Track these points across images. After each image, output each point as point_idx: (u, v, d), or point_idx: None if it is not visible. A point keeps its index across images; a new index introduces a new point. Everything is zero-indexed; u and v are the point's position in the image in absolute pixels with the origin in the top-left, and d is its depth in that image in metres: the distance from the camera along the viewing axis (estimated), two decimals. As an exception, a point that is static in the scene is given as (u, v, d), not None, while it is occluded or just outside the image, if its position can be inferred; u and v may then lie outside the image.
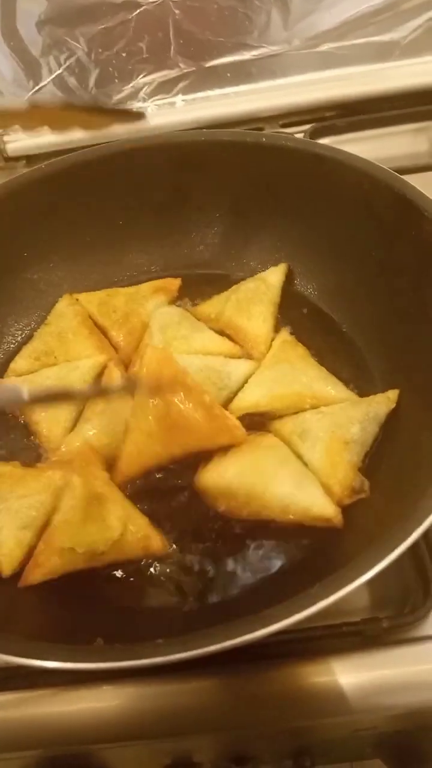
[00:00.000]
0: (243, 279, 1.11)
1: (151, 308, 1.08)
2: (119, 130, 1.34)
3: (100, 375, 1.03)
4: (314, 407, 0.94)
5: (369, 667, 0.81)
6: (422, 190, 0.91)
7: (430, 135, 1.37)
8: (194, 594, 0.84)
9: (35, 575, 0.83)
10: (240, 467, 0.86)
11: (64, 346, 1.05)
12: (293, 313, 1.08)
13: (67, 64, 1.35)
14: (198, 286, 1.13)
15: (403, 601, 0.85)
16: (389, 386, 0.94)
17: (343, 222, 1.01)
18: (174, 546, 0.87)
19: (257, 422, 0.96)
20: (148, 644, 0.62)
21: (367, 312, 1.02)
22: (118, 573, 0.87)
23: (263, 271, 1.11)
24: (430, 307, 0.89)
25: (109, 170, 1.07)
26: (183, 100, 1.43)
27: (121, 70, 1.37)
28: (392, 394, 0.92)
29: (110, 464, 0.93)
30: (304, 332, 1.06)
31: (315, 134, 1.34)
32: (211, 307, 1.09)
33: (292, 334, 1.05)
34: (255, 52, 1.37)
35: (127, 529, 0.84)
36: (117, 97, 1.41)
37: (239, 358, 1.03)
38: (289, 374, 0.97)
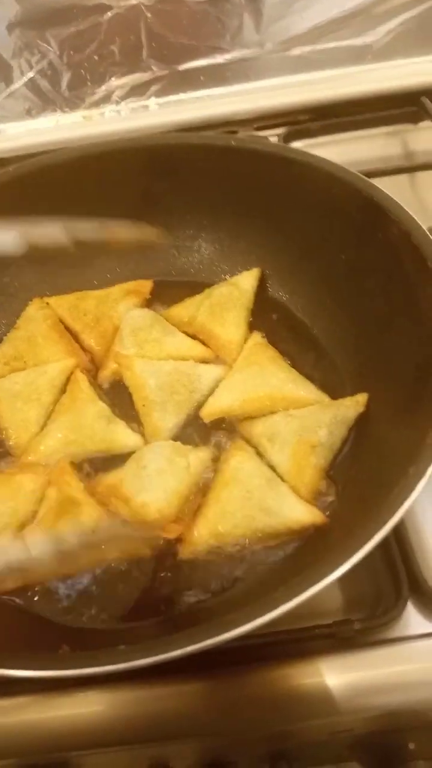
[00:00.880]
0: (215, 283, 1.11)
1: (122, 311, 1.08)
2: (90, 133, 1.36)
3: (68, 379, 1.02)
4: (286, 409, 0.95)
5: (343, 669, 0.81)
6: (394, 193, 0.91)
7: (402, 138, 1.39)
8: (162, 600, 0.84)
9: (8, 580, 0.82)
10: (209, 529, 0.85)
11: (33, 350, 1.04)
12: (265, 316, 1.08)
13: (39, 66, 1.34)
14: (169, 290, 1.13)
15: (376, 603, 0.85)
16: (359, 389, 0.95)
17: (313, 225, 1.02)
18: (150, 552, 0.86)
19: (228, 424, 0.97)
20: (110, 650, 0.62)
21: (337, 315, 1.03)
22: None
23: (235, 274, 1.12)
24: (398, 310, 0.90)
25: (78, 173, 1.06)
26: (156, 103, 1.43)
27: (94, 73, 1.37)
28: (361, 398, 0.93)
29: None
30: (275, 336, 1.06)
31: (289, 137, 1.35)
32: (183, 310, 1.09)
33: (263, 337, 1.05)
34: (228, 56, 1.37)
35: (99, 527, 0.84)
36: (90, 100, 1.40)
37: (211, 362, 1.03)
38: (259, 377, 0.97)
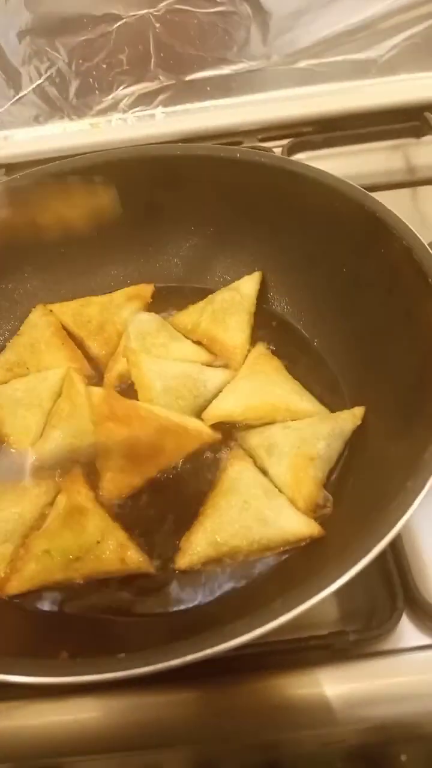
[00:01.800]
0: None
1: (125, 316, 1.08)
2: (97, 141, 1.37)
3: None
4: (286, 420, 0.96)
5: (337, 680, 0.81)
6: (396, 207, 0.92)
7: (404, 153, 1.40)
8: (161, 608, 0.85)
9: (12, 584, 0.83)
10: (207, 539, 0.85)
11: (36, 356, 1.05)
12: (265, 327, 1.09)
13: (48, 74, 1.35)
14: (172, 299, 1.14)
15: (371, 615, 0.86)
16: (357, 401, 0.96)
17: (315, 238, 1.03)
18: (154, 566, 0.87)
19: (226, 432, 0.98)
20: (110, 659, 0.62)
21: (336, 327, 1.04)
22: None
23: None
24: (397, 324, 0.91)
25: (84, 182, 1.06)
26: (163, 113, 1.44)
27: (102, 82, 1.38)
28: (358, 411, 0.94)
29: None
30: (275, 347, 1.07)
31: (293, 149, 1.36)
32: (187, 317, 1.10)
33: (268, 348, 1.06)
34: (234, 67, 1.38)
35: (105, 538, 0.84)
36: (97, 108, 1.41)
37: (216, 367, 1.04)
38: (264, 386, 0.98)
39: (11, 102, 1.38)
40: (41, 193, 1.03)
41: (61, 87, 1.38)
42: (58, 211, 0.92)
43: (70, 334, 1.10)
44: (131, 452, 0.90)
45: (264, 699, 0.80)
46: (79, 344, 1.09)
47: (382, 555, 0.84)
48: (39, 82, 1.36)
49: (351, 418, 0.93)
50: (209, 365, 1.04)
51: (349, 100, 1.41)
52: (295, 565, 0.83)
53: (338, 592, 0.85)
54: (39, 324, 1.09)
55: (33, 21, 1.28)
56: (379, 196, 0.94)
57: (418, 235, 0.88)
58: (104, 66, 1.35)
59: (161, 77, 1.39)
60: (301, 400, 0.97)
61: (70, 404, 0.97)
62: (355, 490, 0.88)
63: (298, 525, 0.84)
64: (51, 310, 1.11)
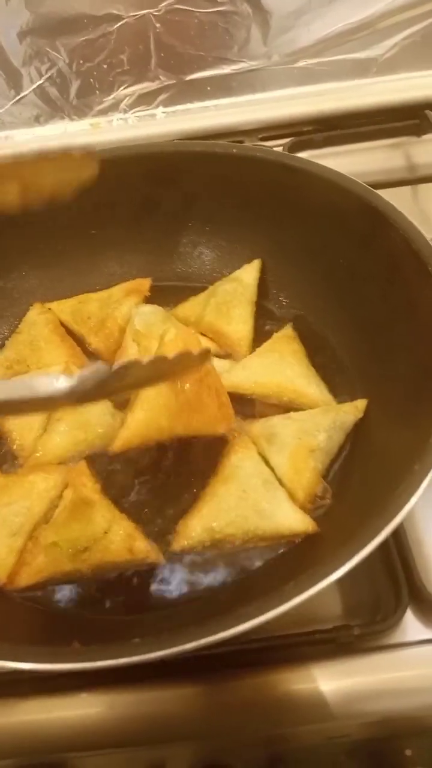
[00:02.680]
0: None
1: (125, 311, 1.08)
2: (98, 141, 1.37)
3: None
4: (291, 401, 0.97)
5: (341, 674, 0.81)
6: (396, 205, 0.92)
7: (405, 151, 1.40)
8: (168, 599, 0.85)
9: (22, 576, 0.84)
10: (203, 525, 0.86)
11: (36, 354, 1.05)
12: (265, 321, 1.09)
13: (49, 74, 1.36)
14: (171, 293, 1.14)
15: (375, 609, 0.86)
16: (360, 393, 0.96)
17: (314, 232, 1.03)
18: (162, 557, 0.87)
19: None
20: (124, 644, 0.62)
21: (337, 320, 1.04)
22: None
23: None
24: (398, 313, 0.91)
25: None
26: (164, 112, 1.44)
27: (102, 82, 1.38)
28: (360, 404, 0.94)
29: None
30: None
31: (293, 148, 1.37)
32: (189, 309, 1.10)
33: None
34: (235, 67, 1.38)
35: (112, 528, 0.85)
36: (98, 108, 1.42)
37: (222, 358, 1.05)
38: (275, 365, 0.99)
39: (12, 102, 1.39)
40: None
41: (61, 87, 1.38)
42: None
43: (70, 332, 1.10)
44: (180, 392, 0.89)
45: (268, 693, 0.81)
46: (79, 341, 1.10)
47: (386, 550, 0.86)
48: (40, 82, 1.37)
49: (353, 410, 0.94)
50: (216, 356, 1.04)
51: (350, 99, 1.41)
52: (304, 553, 0.83)
53: (342, 587, 0.88)
54: (38, 321, 1.09)
55: (34, 21, 1.28)
56: (380, 194, 0.94)
57: (417, 226, 0.88)
58: (105, 66, 1.36)
59: (162, 77, 1.39)
60: (309, 385, 0.98)
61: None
62: (360, 481, 0.88)
63: (293, 520, 0.85)
64: (49, 308, 1.11)
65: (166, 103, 1.43)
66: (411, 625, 0.84)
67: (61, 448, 0.95)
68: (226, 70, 1.39)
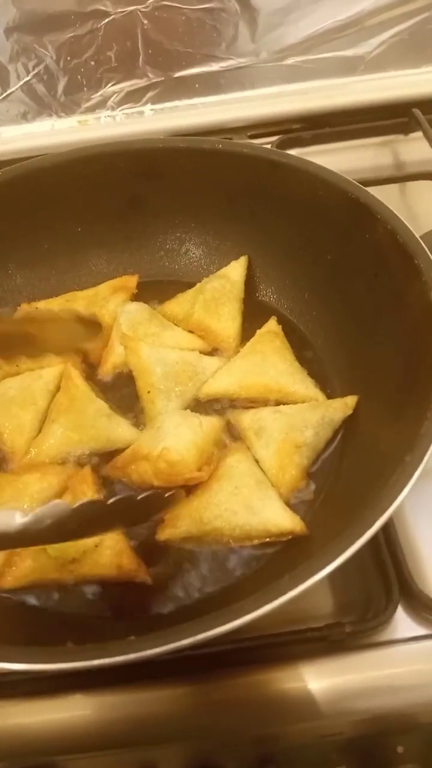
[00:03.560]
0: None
1: (112, 308, 1.08)
2: (86, 138, 1.37)
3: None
4: (279, 400, 0.97)
5: (333, 672, 0.81)
6: (385, 202, 0.92)
7: (393, 149, 1.40)
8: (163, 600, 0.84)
9: (7, 579, 0.83)
10: (191, 516, 0.85)
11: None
12: (252, 317, 1.09)
13: (36, 71, 1.35)
14: (157, 290, 1.14)
15: (367, 607, 0.86)
16: (348, 385, 0.96)
17: (301, 227, 1.03)
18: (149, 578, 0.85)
19: (220, 411, 0.99)
20: (120, 642, 0.61)
21: (324, 314, 1.05)
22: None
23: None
24: (385, 306, 0.91)
25: (66, 177, 1.06)
26: (152, 110, 1.44)
27: (90, 79, 1.37)
28: (350, 401, 0.94)
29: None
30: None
31: (282, 146, 1.36)
32: (177, 306, 1.10)
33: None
34: (223, 64, 1.38)
35: (103, 542, 0.83)
36: (85, 105, 1.41)
37: (211, 354, 1.05)
38: (259, 366, 0.99)
39: (-1, 99, 1.38)
40: (22, 189, 1.04)
41: (49, 84, 1.37)
42: None
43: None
44: None
45: (259, 692, 0.80)
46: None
47: (376, 547, 0.86)
48: (27, 79, 1.36)
49: (342, 407, 0.94)
50: (205, 353, 1.04)
51: (338, 97, 1.41)
52: (297, 549, 0.83)
53: (333, 585, 0.88)
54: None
55: (20, 18, 1.28)
56: (367, 191, 0.94)
57: (402, 218, 0.89)
58: (92, 63, 1.35)
59: (150, 74, 1.38)
60: (294, 383, 0.98)
61: (68, 398, 0.97)
62: (350, 473, 0.89)
63: (281, 518, 0.84)
64: (36, 308, 1.10)
65: (154, 101, 1.43)
66: (402, 622, 0.84)
67: (53, 449, 0.94)
68: (214, 67, 1.39)
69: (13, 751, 0.80)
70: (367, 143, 1.41)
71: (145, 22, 1.30)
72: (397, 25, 1.36)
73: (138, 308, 1.08)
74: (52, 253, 1.13)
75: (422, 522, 0.91)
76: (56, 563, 0.82)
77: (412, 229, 0.88)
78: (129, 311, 1.07)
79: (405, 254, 0.85)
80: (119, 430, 0.96)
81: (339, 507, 0.84)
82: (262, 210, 1.07)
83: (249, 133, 1.42)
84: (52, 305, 1.10)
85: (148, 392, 0.97)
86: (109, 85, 1.39)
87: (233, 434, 0.97)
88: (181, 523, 0.85)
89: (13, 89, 1.37)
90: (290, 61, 1.39)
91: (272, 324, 1.06)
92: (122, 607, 0.84)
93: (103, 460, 0.95)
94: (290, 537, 0.84)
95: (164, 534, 0.86)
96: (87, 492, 0.88)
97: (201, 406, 1.00)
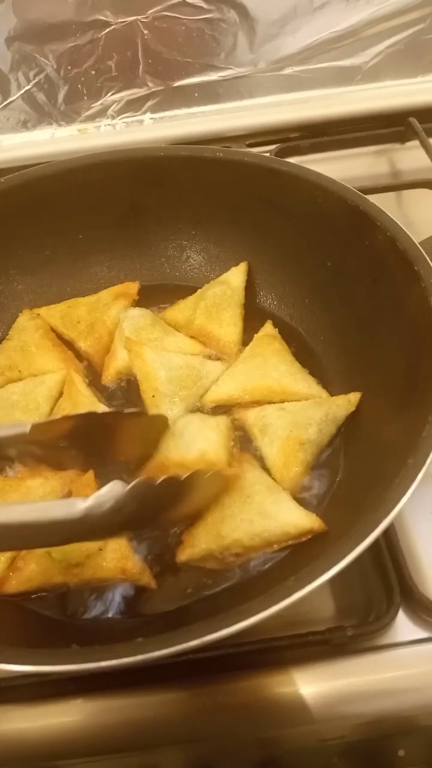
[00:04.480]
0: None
1: (114, 314, 1.09)
2: (86, 147, 1.37)
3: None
4: (283, 400, 0.98)
5: (334, 676, 0.81)
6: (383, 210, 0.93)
7: (389, 157, 1.42)
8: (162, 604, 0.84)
9: (11, 583, 0.83)
10: (208, 532, 0.85)
11: (27, 359, 1.04)
12: (254, 322, 1.09)
13: (36, 80, 1.36)
14: (159, 297, 1.14)
15: (368, 610, 0.86)
16: (349, 389, 0.97)
17: (300, 234, 1.04)
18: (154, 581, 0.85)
19: (223, 411, 1.00)
20: (128, 644, 0.61)
21: (324, 320, 1.06)
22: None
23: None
24: (384, 312, 0.92)
25: (68, 185, 1.07)
26: (151, 118, 1.45)
27: (90, 88, 1.38)
28: (353, 397, 0.95)
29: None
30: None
31: (280, 154, 1.38)
32: (179, 313, 1.11)
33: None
34: (222, 74, 1.40)
35: (107, 546, 0.83)
36: (85, 113, 1.42)
37: (213, 359, 1.06)
38: (260, 369, 1.00)
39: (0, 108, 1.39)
40: (24, 197, 1.04)
41: (49, 93, 1.38)
42: None
43: (60, 336, 1.10)
44: None
45: (261, 696, 0.81)
46: (70, 346, 1.09)
47: (377, 550, 0.86)
48: (27, 87, 1.37)
49: (345, 404, 0.94)
50: (207, 358, 1.05)
51: (335, 106, 1.43)
52: (301, 551, 0.83)
53: (334, 588, 0.88)
54: (27, 327, 1.08)
55: (21, 27, 1.29)
56: (366, 198, 0.95)
57: (401, 225, 0.90)
58: (93, 72, 1.36)
59: (149, 83, 1.40)
60: (296, 382, 0.99)
61: (71, 403, 0.97)
62: (352, 474, 0.89)
63: (298, 518, 0.84)
64: (38, 314, 1.11)
65: (154, 109, 1.44)
66: (403, 625, 0.85)
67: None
68: (213, 76, 1.40)
69: (14, 756, 0.79)
70: (365, 152, 1.43)
71: (145, 32, 1.32)
72: (393, 35, 1.38)
73: (141, 314, 1.09)
74: (53, 260, 1.14)
75: (423, 525, 0.92)
76: (60, 567, 0.82)
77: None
78: (132, 316, 1.07)
79: (405, 260, 0.86)
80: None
81: (341, 509, 0.85)
82: (262, 217, 1.08)
83: (248, 142, 1.44)
84: (54, 311, 1.11)
85: (153, 396, 0.98)
86: (109, 94, 1.40)
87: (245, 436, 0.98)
88: (199, 542, 0.84)
89: (14, 98, 1.38)
90: (288, 70, 1.41)
91: (269, 327, 1.07)
92: (127, 609, 0.84)
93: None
94: (310, 536, 0.83)
95: (184, 555, 0.85)
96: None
97: (205, 410, 1.01)
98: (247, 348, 1.05)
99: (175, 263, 1.18)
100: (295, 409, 0.94)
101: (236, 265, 1.12)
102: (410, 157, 1.40)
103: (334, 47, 1.38)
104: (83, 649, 0.65)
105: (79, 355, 1.08)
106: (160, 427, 0.93)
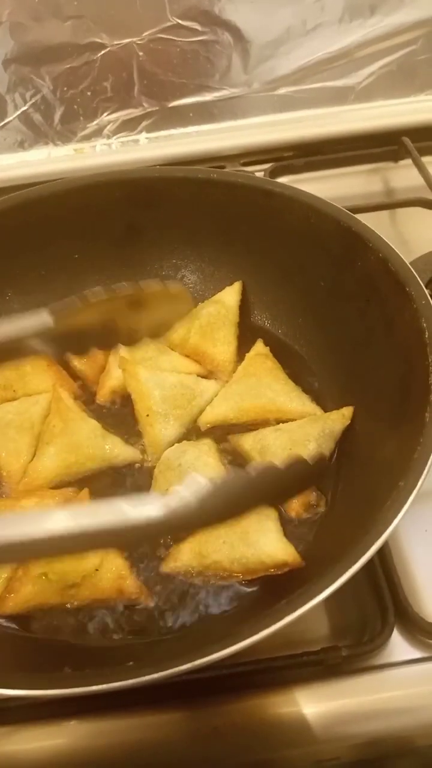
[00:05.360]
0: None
1: (108, 333, 1.09)
2: (81, 166, 1.39)
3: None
4: (279, 420, 0.98)
5: (329, 696, 0.81)
6: (375, 229, 0.94)
7: (383, 176, 1.44)
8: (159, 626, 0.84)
9: (7, 604, 0.82)
10: (192, 549, 0.86)
11: (22, 379, 1.04)
12: (248, 341, 1.10)
13: (33, 101, 1.37)
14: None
15: (362, 630, 0.86)
16: (342, 407, 0.97)
17: (294, 254, 1.05)
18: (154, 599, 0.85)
19: (219, 436, 1.00)
20: (119, 667, 0.61)
21: (317, 339, 1.06)
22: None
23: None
24: (376, 333, 0.93)
25: (64, 206, 1.08)
26: (147, 138, 1.46)
27: (86, 108, 1.40)
28: (347, 411, 0.95)
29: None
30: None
31: (274, 173, 1.40)
32: (173, 332, 1.10)
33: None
34: (216, 94, 1.41)
35: (104, 565, 0.83)
36: (81, 133, 1.43)
37: (206, 378, 1.06)
38: (254, 388, 1.00)
39: (-4, 127, 1.40)
40: (19, 218, 1.05)
41: (45, 113, 1.39)
42: None
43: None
44: None
45: (255, 717, 0.80)
46: (65, 366, 1.09)
47: (371, 569, 0.86)
48: (24, 108, 1.38)
49: (340, 418, 0.95)
50: (201, 376, 1.06)
51: (329, 126, 1.44)
52: (294, 571, 0.83)
53: (328, 608, 0.88)
54: (22, 348, 1.09)
55: (18, 49, 1.30)
56: (359, 219, 0.96)
57: (393, 247, 0.90)
58: (88, 93, 1.38)
59: (145, 104, 1.41)
60: (291, 401, 0.99)
61: (61, 420, 0.97)
62: (346, 494, 0.89)
63: (276, 550, 0.83)
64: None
65: (149, 129, 1.45)
66: (398, 645, 0.84)
67: (50, 472, 0.95)
68: (207, 97, 1.42)
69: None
70: (358, 170, 1.45)
71: (141, 53, 1.33)
72: (385, 56, 1.40)
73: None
74: (49, 280, 1.14)
75: (417, 544, 0.92)
76: (57, 587, 0.82)
77: (402, 255, 0.90)
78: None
79: (396, 282, 0.87)
80: (115, 449, 0.96)
81: (335, 531, 0.85)
82: (256, 237, 1.08)
83: (242, 161, 1.45)
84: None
85: (147, 416, 0.98)
86: (105, 114, 1.42)
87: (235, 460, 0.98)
88: (183, 557, 0.85)
89: (11, 118, 1.39)
90: (282, 91, 1.42)
91: (260, 346, 1.07)
92: (123, 628, 0.84)
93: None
94: (286, 569, 0.83)
95: (168, 567, 0.86)
96: None
97: (197, 431, 1.01)
98: (240, 368, 1.05)
99: (170, 282, 1.18)
100: (292, 428, 0.95)
101: (230, 284, 1.13)
102: (403, 175, 1.42)
103: (327, 68, 1.40)
104: (75, 673, 0.65)
105: (74, 374, 1.08)
106: (182, 297, 0.93)
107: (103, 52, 1.32)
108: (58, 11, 1.26)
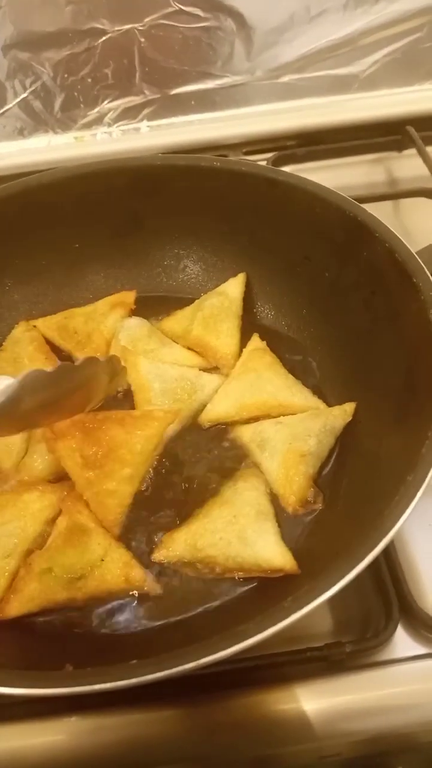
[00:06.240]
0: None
1: (111, 324, 1.08)
2: (82, 154, 1.37)
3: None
4: (280, 414, 0.97)
5: (332, 692, 0.81)
6: (379, 218, 0.93)
7: (386, 166, 1.42)
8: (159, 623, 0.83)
9: (13, 605, 0.81)
10: (186, 541, 0.85)
11: (19, 372, 1.03)
12: (252, 333, 1.09)
13: (33, 88, 1.36)
14: (156, 307, 1.13)
15: (366, 626, 0.85)
16: (347, 401, 0.96)
17: (298, 244, 1.04)
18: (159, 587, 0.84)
19: (222, 429, 0.99)
20: (121, 666, 0.60)
21: (321, 331, 1.05)
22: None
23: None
24: (382, 324, 0.92)
25: (65, 194, 1.07)
26: (148, 126, 1.45)
27: (87, 96, 1.38)
28: (349, 407, 0.94)
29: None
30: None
31: (277, 162, 1.38)
32: (176, 323, 1.10)
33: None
34: (218, 82, 1.40)
35: (108, 555, 0.83)
36: (82, 121, 1.42)
37: (209, 371, 1.05)
38: (255, 384, 0.99)
39: (-5, 115, 1.38)
40: (20, 206, 1.03)
41: (45, 101, 1.38)
42: None
43: (57, 348, 1.09)
44: None
45: (258, 713, 0.80)
46: (67, 357, 1.08)
47: (376, 565, 0.85)
48: (24, 95, 1.36)
49: (342, 414, 0.94)
50: (201, 368, 1.05)
51: (332, 115, 1.43)
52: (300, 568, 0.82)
53: (332, 604, 0.87)
54: (22, 340, 1.07)
55: (18, 35, 1.28)
56: (365, 208, 0.95)
57: (399, 236, 0.89)
58: (89, 80, 1.36)
59: (146, 91, 1.39)
60: (293, 395, 0.98)
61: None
62: (350, 490, 0.88)
63: (272, 554, 0.82)
64: (35, 326, 1.10)
65: (151, 117, 1.44)
66: (402, 641, 0.84)
67: (43, 470, 0.94)
68: (209, 84, 1.40)
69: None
70: (361, 160, 1.43)
71: (142, 40, 1.31)
72: (390, 44, 1.38)
73: (138, 324, 1.08)
74: (49, 269, 1.13)
75: (422, 540, 0.91)
76: (63, 582, 0.80)
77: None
78: (129, 327, 1.07)
79: (403, 273, 0.85)
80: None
81: (341, 525, 0.84)
82: (259, 227, 1.07)
83: (244, 150, 1.43)
84: (51, 323, 1.10)
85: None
86: (106, 101, 1.40)
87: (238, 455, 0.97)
88: (176, 547, 0.85)
89: (10, 106, 1.37)
90: (285, 79, 1.41)
91: (256, 341, 1.06)
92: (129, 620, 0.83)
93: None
94: (281, 574, 0.81)
95: (159, 555, 0.86)
96: (83, 511, 0.87)
97: (199, 428, 1.00)
98: (239, 364, 1.04)
99: (172, 273, 1.17)
100: (293, 422, 0.94)
101: (233, 275, 1.12)
102: (407, 165, 1.41)
103: (331, 56, 1.39)
104: (76, 672, 0.63)
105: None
106: (114, 370, 0.92)
107: (104, 38, 1.30)
108: (58, -4, 1.24)
